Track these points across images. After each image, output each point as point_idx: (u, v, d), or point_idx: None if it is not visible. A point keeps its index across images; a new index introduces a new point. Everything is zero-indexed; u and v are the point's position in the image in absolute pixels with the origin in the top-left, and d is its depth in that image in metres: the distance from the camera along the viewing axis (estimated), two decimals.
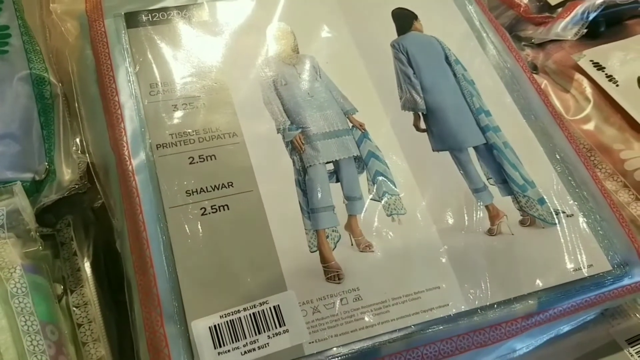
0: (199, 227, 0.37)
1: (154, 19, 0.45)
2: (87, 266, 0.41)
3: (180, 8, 0.46)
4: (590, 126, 0.50)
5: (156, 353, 0.33)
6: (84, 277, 0.40)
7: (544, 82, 0.53)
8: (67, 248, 0.42)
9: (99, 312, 0.39)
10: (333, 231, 0.38)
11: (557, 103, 0.52)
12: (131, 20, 0.44)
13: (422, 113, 0.43)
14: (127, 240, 0.37)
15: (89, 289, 0.40)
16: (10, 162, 0.40)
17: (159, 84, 0.41)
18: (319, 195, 0.39)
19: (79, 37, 0.44)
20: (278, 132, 0.41)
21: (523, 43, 0.58)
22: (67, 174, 0.40)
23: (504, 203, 0.41)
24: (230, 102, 0.42)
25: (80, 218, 0.43)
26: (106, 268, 0.43)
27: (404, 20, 0.48)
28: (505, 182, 0.42)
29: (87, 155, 0.41)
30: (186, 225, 0.37)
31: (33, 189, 0.40)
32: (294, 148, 0.40)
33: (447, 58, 0.46)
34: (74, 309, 0.40)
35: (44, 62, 0.44)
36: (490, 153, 0.43)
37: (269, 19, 0.46)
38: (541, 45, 0.57)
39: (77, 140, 0.42)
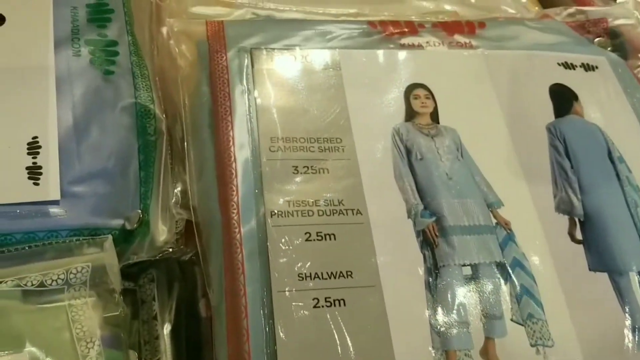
0: (310, 322, 0.31)
1: (280, 59, 0.40)
2: (166, 334, 0.35)
3: (309, 51, 0.40)
4: None
5: None
6: (162, 348, 0.35)
7: None
8: (147, 308, 0.36)
9: None
10: (465, 355, 0.31)
11: None
12: (256, 57, 0.39)
13: (579, 219, 0.37)
14: (224, 322, 0.31)
15: None
16: (100, 205, 0.34)
17: (280, 138, 0.36)
18: (453, 306, 0.33)
19: (195, 66, 0.39)
20: (409, 217, 0.35)
21: None
22: (162, 233, 0.35)
23: None
24: (357, 171, 0.36)
25: (165, 273, 0.37)
26: (186, 333, 0.38)
27: (564, 99, 0.41)
28: None
29: (189, 211, 0.35)
30: (294, 318, 0.31)
31: (121, 239, 0.35)
32: (425, 239, 0.34)
33: (610, 153, 0.39)
34: None
35: (150, 90, 0.39)
36: None
37: (408, 77, 0.40)
38: None
39: (178, 190, 0.36)
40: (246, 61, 0.38)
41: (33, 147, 0.35)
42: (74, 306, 0.33)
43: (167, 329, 0.36)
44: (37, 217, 0.34)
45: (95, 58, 0.39)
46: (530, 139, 0.39)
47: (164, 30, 0.43)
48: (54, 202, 0.34)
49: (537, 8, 0.53)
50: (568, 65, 0.43)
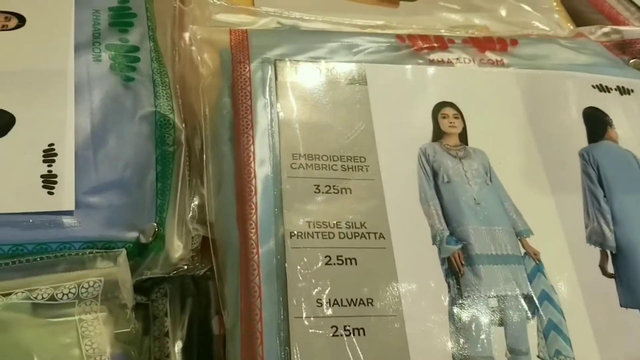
0: (327, 352, 0.29)
1: (305, 72, 0.38)
2: (177, 352, 0.34)
3: (335, 64, 0.39)
4: None
5: None
6: None
7: None
8: (159, 324, 0.35)
9: None
10: None
11: None
12: (280, 69, 0.38)
13: (611, 252, 0.35)
14: (238, 346, 0.30)
15: None
16: (115, 217, 0.33)
17: (302, 155, 0.35)
18: (476, 339, 0.31)
19: (217, 76, 0.38)
20: (433, 243, 0.34)
21: None
22: (177, 249, 0.33)
23: None
24: (380, 192, 0.34)
25: (179, 288, 0.36)
26: (198, 351, 0.37)
27: (598, 124, 0.39)
28: None
29: (206, 226, 0.34)
30: (312, 346, 0.29)
31: (135, 252, 0.34)
32: (450, 268, 0.33)
33: None
34: None
35: (171, 98, 0.38)
36: None
37: (437, 95, 0.39)
38: None
39: (195, 204, 0.35)
40: (270, 73, 0.37)
41: (49, 155, 0.34)
42: (84, 321, 0.32)
43: (178, 346, 0.35)
44: (50, 228, 0.32)
45: (115, 64, 0.38)
46: (562, 165, 0.37)
47: (186, 36, 0.42)
48: (68, 213, 0.33)
49: (569, 24, 0.51)
50: (603, 88, 0.41)
